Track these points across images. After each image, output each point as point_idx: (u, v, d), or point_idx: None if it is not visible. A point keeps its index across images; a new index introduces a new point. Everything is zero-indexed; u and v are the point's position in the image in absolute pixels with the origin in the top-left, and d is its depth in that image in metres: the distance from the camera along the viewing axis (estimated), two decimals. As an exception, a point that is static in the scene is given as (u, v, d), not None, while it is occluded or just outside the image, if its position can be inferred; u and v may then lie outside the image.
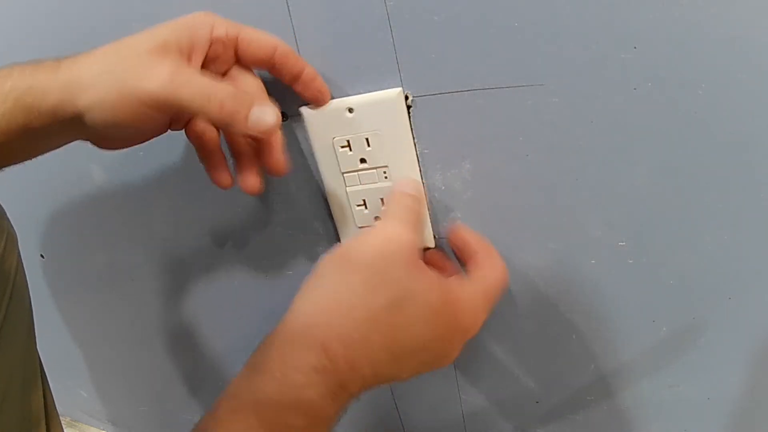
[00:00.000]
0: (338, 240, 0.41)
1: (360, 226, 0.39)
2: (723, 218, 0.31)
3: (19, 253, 0.46)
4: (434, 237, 0.39)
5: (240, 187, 0.35)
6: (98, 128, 0.30)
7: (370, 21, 0.33)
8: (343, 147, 0.36)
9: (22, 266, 0.46)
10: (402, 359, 0.29)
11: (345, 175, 0.37)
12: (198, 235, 0.50)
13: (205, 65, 0.32)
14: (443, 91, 0.33)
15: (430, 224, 0.38)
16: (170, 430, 0.75)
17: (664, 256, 0.33)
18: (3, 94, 0.29)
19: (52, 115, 0.30)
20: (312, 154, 0.38)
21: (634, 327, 0.37)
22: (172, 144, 0.43)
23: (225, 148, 0.36)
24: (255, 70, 0.35)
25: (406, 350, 0.29)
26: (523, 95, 0.32)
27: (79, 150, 0.34)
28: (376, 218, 0.38)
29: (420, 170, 0.36)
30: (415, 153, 0.36)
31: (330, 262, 0.31)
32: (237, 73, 0.34)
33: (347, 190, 0.38)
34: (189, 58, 0.31)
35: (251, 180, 0.35)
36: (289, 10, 0.35)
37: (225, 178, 0.35)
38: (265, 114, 0.30)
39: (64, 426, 0.51)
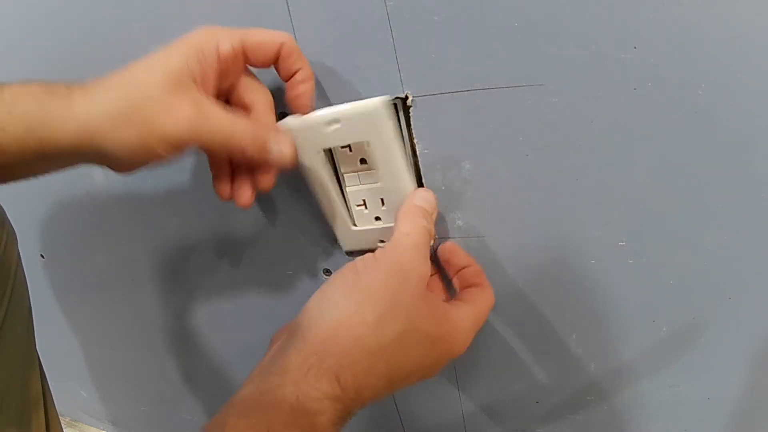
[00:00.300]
0: (336, 241, 0.41)
1: (360, 226, 0.39)
2: (723, 218, 0.31)
3: (18, 252, 0.46)
4: (434, 238, 0.39)
5: (234, 198, 0.36)
6: (119, 165, 0.32)
7: (370, 21, 0.33)
8: (343, 147, 0.36)
9: (22, 265, 0.47)
10: (397, 382, 0.31)
11: (345, 175, 0.37)
12: (198, 235, 0.50)
13: (217, 83, 0.32)
14: (443, 91, 0.33)
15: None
16: (170, 430, 0.75)
17: (664, 256, 0.33)
18: (15, 118, 0.29)
19: (70, 150, 0.30)
20: (310, 156, 0.38)
21: (634, 327, 0.37)
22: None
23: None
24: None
25: (403, 375, 0.31)
26: (523, 95, 0.32)
27: (79, 150, 0.34)
28: (377, 218, 0.38)
29: (408, 179, 0.36)
30: (404, 162, 0.35)
31: (343, 284, 0.32)
32: (245, 87, 0.34)
33: (347, 190, 0.38)
34: (204, 87, 0.31)
35: (245, 194, 0.36)
36: (289, 10, 0.35)
37: (225, 190, 0.36)
38: (283, 147, 0.33)
39: (63, 426, 0.52)
